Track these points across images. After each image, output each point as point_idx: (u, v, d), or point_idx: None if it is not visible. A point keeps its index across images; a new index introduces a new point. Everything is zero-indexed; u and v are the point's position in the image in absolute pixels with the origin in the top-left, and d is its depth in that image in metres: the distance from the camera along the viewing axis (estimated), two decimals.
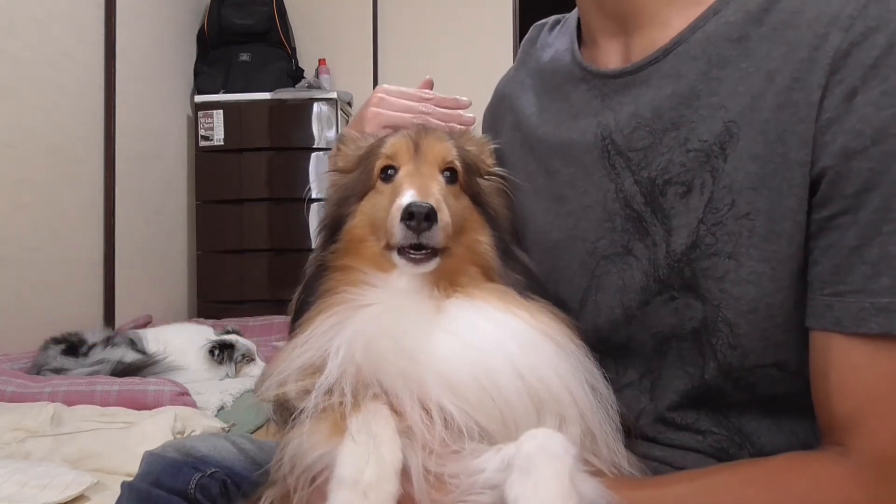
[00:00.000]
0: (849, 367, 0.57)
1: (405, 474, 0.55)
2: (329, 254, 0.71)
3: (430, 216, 0.61)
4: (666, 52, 0.70)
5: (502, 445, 0.57)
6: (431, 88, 0.92)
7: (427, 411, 0.58)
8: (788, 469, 0.58)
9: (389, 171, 0.70)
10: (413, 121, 0.85)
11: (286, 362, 0.64)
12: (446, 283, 0.66)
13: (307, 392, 0.61)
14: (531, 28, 0.94)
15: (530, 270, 0.70)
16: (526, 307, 0.65)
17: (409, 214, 0.61)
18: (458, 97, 0.91)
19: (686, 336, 0.68)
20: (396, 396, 0.59)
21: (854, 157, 0.57)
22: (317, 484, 0.57)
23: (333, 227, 0.72)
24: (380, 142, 0.74)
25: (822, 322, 0.59)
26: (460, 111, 0.90)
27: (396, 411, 0.59)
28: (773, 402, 0.67)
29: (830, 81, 0.58)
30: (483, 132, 0.96)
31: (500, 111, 0.92)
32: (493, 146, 0.81)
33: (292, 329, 0.69)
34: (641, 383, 0.73)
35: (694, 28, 0.68)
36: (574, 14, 0.85)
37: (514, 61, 0.96)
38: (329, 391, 0.60)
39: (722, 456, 0.68)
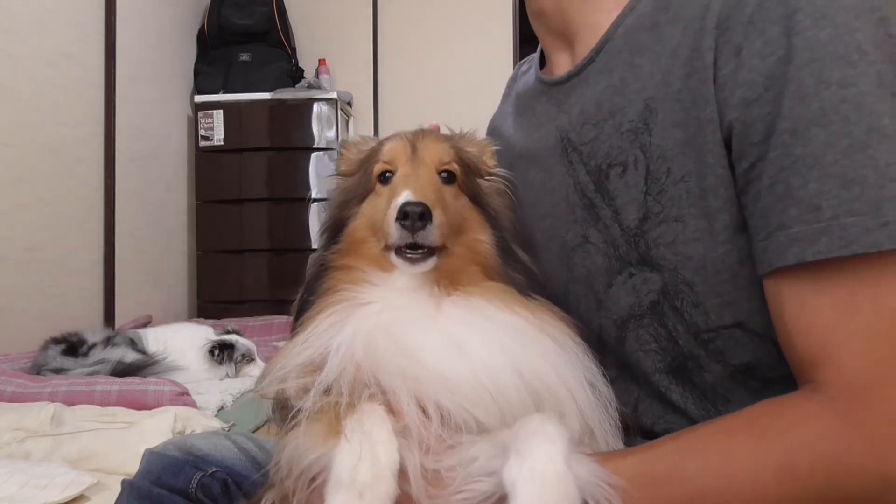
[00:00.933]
0: (798, 304, 0.58)
1: (403, 474, 0.56)
2: (331, 254, 0.72)
3: (424, 215, 0.62)
4: (597, 51, 0.77)
5: (496, 433, 0.58)
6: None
7: (424, 409, 0.59)
8: (765, 413, 0.59)
9: (387, 174, 0.71)
10: None
11: (287, 359, 0.65)
12: (447, 281, 0.67)
13: (306, 390, 0.61)
14: (514, 68, 1.05)
15: (531, 270, 0.71)
16: (525, 305, 0.66)
17: (404, 214, 0.62)
18: None
19: (643, 313, 0.71)
20: (394, 394, 0.59)
21: (752, 106, 0.61)
22: (315, 486, 0.57)
23: (335, 229, 0.74)
24: (379, 146, 0.75)
25: (764, 266, 0.60)
26: None
27: (394, 410, 0.59)
28: (749, 376, 0.69)
29: (719, 42, 0.64)
30: None
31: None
32: (494, 148, 0.83)
33: (294, 328, 0.70)
34: (623, 374, 0.76)
35: (616, 26, 0.76)
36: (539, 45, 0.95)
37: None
38: (327, 390, 0.61)
39: None
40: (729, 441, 0.58)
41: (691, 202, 0.66)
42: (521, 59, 1.05)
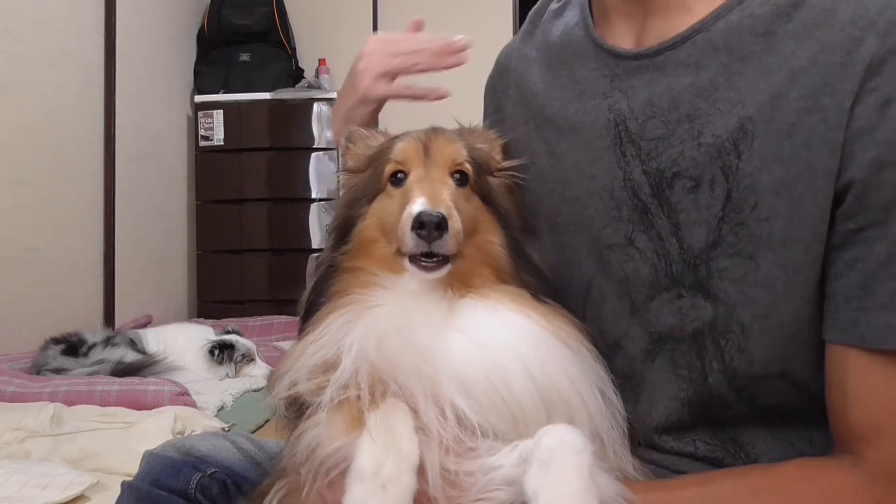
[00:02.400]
0: (869, 382, 0.57)
1: (421, 471, 0.55)
2: (339, 255, 0.70)
3: (441, 225, 0.60)
4: (684, 38, 0.67)
5: (518, 442, 0.57)
6: (420, 29, 0.91)
7: (440, 409, 0.58)
8: (800, 477, 0.58)
9: (399, 175, 0.69)
10: (405, 64, 0.85)
11: (299, 360, 0.63)
12: (459, 284, 0.66)
13: (321, 388, 0.61)
14: (539, 1, 0.89)
15: (542, 271, 0.69)
16: (539, 309, 0.64)
17: (420, 224, 0.60)
18: (449, 40, 0.88)
19: (684, 338, 0.67)
20: (410, 393, 0.59)
21: (885, 169, 0.55)
22: (331, 477, 0.57)
23: (344, 228, 0.71)
24: (389, 144, 0.73)
25: (846, 336, 0.58)
26: (452, 56, 0.88)
27: (410, 409, 0.59)
28: (771, 413, 0.67)
29: (864, 88, 0.56)
30: (485, 103, 0.94)
31: (503, 84, 0.89)
32: (503, 141, 0.79)
33: (302, 329, 0.69)
34: (623, 388, 0.71)
35: (716, 17, 0.65)
36: None
37: None
38: (345, 386, 0.60)
39: (716, 464, 0.68)
40: (756, 500, 0.57)
41: (770, 247, 0.61)
42: None
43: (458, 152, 0.70)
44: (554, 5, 0.85)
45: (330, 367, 0.61)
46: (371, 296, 0.66)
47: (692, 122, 0.65)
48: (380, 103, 0.92)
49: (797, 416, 0.65)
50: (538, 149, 0.78)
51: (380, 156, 0.72)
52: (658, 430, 0.70)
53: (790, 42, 0.61)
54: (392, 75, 0.85)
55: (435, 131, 0.72)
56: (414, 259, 0.63)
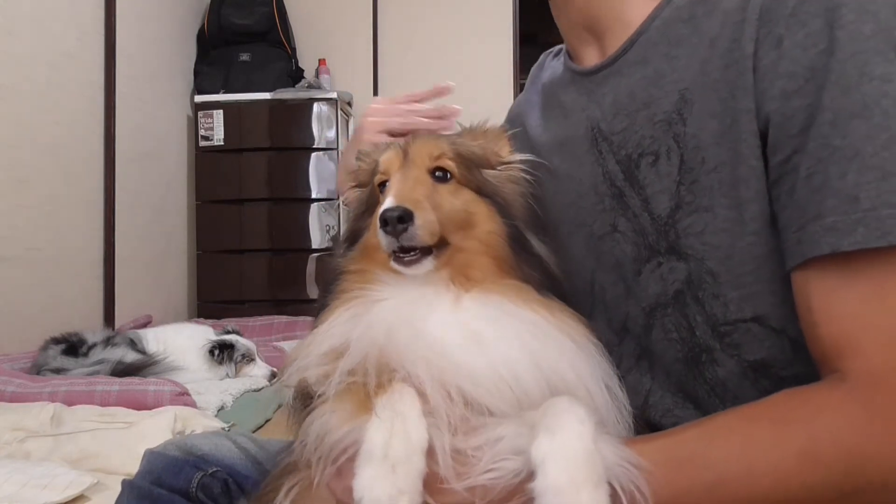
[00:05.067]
0: (826, 294, 0.59)
1: (430, 453, 0.56)
2: (345, 260, 0.73)
3: (403, 218, 0.62)
4: (631, 42, 0.78)
5: (524, 413, 0.58)
6: (444, 94, 1.01)
7: (448, 393, 0.59)
8: (788, 401, 0.59)
9: (386, 184, 0.72)
10: (406, 123, 0.93)
11: (308, 348, 0.65)
12: (461, 277, 0.67)
13: (328, 377, 0.62)
14: (541, 56, 1.04)
15: (546, 264, 0.71)
16: (544, 304, 0.66)
17: (384, 221, 0.63)
18: (445, 106, 0.98)
19: (668, 302, 0.73)
20: (418, 378, 0.60)
21: (792, 97, 0.61)
22: (339, 464, 0.58)
23: (353, 240, 0.75)
24: (379, 156, 0.77)
25: (795, 259, 0.61)
26: (447, 116, 0.97)
27: (418, 393, 0.59)
28: (761, 374, 0.69)
29: (760, 33, 0.64)
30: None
31: (513, 129, 0.96)
32: (509, 133, 0.83)
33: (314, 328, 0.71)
34: (640, 365, 0.77)
35: (652, 18, 0.77)
36: None
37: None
38: (352, 372, 0.61)
39: None
40: (751, 427, 0.59)
41: (723, 192, 0.67)
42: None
43: (436, 150, 0.72)
44: (550, 59, 1.00)
45: (338, 354, 0.63)
46: (377, 291, 0.68)
47: (648, 107, 0.74)
48: None
49: (787, 374, 0.67)
50: (542, 175, 0.84)
51: (374, 169, 0.76)
52: (680, 398, 0.74)
53: (706, 19, 0.71)
54: (392, 132, 0.94)
55: (415, 136, 0.77)
56: (395, 256, 0.65)
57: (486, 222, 0.70)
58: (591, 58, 0.85)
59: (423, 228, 0.63)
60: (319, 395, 0.61)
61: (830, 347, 0.59)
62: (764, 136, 0.64)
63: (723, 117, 0.67)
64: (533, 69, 1.04)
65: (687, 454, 0.58)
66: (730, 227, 0.67)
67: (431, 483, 0.55)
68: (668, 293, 0.73)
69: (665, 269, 0.73)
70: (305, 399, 0.64)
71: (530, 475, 0.54)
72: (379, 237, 0.64)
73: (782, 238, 0.63)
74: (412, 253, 0.64)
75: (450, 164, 0.72)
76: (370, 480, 0.53)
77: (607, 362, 0.66)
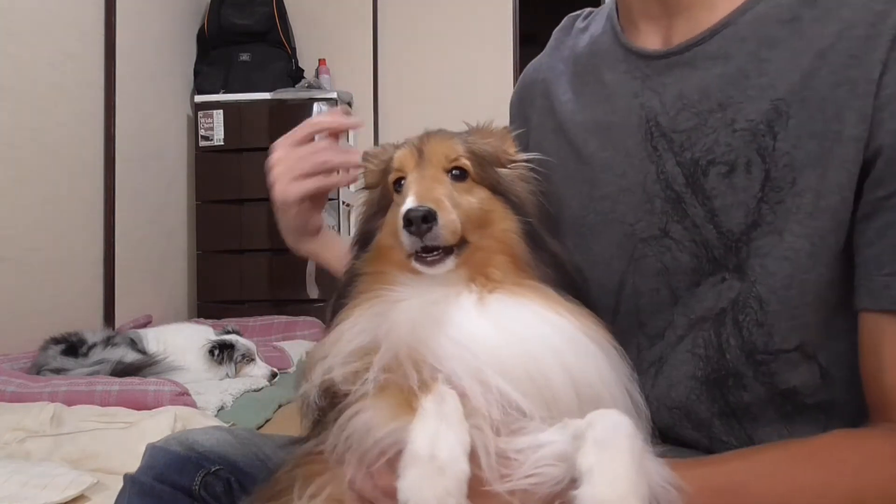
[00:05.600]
0: None
1: (472, 455, 0.55)
2: (360, 262, 0.72)
3: (427, 217, 0.61)
4: (712, 33, 0.70)
5: (567, 421, 0.58)
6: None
7: (487, 392, 0.59)
8: (839, 446, 0.58)
9: (401, 182, 0.71)
10: (314, 164, 0.86)
11: (334, 346, 0.64)
12: (481, 277, 0.66)
13: (358, 374, 0.61)
14: (565, 19, 0.94)
15: (561, 262, 0.70)
16: (566, 306, 0.66)
17: (408, 221, 0.62)
18: (350, 151, 0.91)
19: (711, 318, 0.69)
20: (457, 377, 0.59)
21: None
22: (377, 463, 0.57)
23: (364, 241, 0.74)
24: (392, 154, 0.75)
25: (878, 302, 0.59)
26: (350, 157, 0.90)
27: (459, 393, 0.59)
28: (787, 398, 0.68)
29: (890, 58, 0.58)
30: (511, 117, 0.96)
31: (530, 95, 0.92)
32: (514, 134, 0.81)
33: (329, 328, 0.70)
34: (648, 371, 0.74)
35: (743, 10, 0.69)
36: (609, 2, 0.86)
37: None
38: (387, 368, 0.60)
39: None
40: (798, 469, 0.57)
41: (798, 219, 0.63)
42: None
43: (453, 149, 0.71)
44: (580, 23, 0.90)
45: (366, 352, 0.62)
46: (398, 291, 0.67)
47: (724, 110, 0.68)
48: (309, 202, 0.91)
49: (812, 401, 0.65)
50: (565, 153, 0.80)
51: (386, 168, 0.75)
52: (677, 415, 0.71)
53: (815, 25, 0.64)
54: (304, 175, 0.87)
55: (429, 134, 0.74)
56: (417, 257, 0.64)
57: (503, 220, 0.69)
58: (651, 38, 0.77)
59: (446, 228, 0.63)
60: (348, 393, 0.60)
61: (891, 397, 0.58)
62: (866, 168, 0.60)
63: (823, 139, 0.62)
64: (556, 33, 0.93)
65: (730, 485, 0.57)
66: (794, 256, 0.64)
67: (474, 486, 0.54)
68: (715, 310, 0.69)
69: (726, 286, 0.69)
70: (329, 398, 0.63)
71: (571, 483, 0.53)
72: (401, 237, 0.63)
73: (860, 274, 0.61)
74: (435, 252, 0.64)
75: (466, 163, 0.71)
76: (418, 481, 0.52)
77: (628, 367, 0.65)
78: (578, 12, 0.92)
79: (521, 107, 0.94)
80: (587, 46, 0.85)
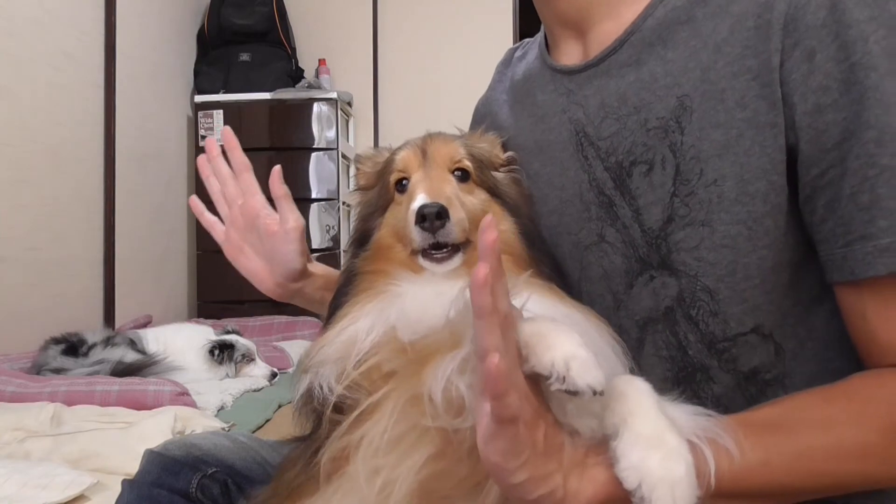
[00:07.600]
0: (883, 307, 0.60)
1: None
2: (359, 261, 0.72)
3: (441, 214, 0.63)
4: (621, 42, 0.74)
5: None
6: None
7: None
8: (865, 384, 0.61)
9: (403, 182, 0.73)
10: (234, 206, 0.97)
11: (351, 347, 0.62)
12: None
13: (374, 368, 0.60)
14: (506, 51, 1.00)
15: (556, 262, 0.72)
16: (574, 304, 0.67)
17: (422, 217, 0.63)
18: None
19: (659, 318, 0.71)
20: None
21: (826, 111, 0.60)
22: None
23: (361, 241, 0.75)
24: (392, 155, 0.77)
25: (843, 274, 0.61)
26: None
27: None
28: (750, 381, 0.69)
29: (786, 45, 0.61)
30: None
31: (478, 128, 0.94)
32: (501, 140, 0.84)
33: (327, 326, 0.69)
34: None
35: (645, 16, 0.72)
36: (542, 30, 0.90)
37: None
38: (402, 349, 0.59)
39: None
40: (831, 407, 0.59)
41: (723, 207, 0.65)
42: None
43: (456, 151, 0.73)
44: (518, 53, 0.95)
45: (380, 347, 0.61)
46: (399, 287, 0.67)
47: (639, 112, 0.71)
48: (267, 249, 1.00)
49: (769, 377, 0.68)
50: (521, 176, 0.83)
51: (385, 169, 0.76)
52: None
53: (709, 22, 0.67)
54: (236, 225, 0.99)
55: (431, 136, 0.76)
56: (426, 254, 0.65)
57: (502, 221, 0.71)
58: (571, 55, 0.81)
59: (457, 225, 0.64)
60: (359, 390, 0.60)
61: (890, 349, 0.60)
62: (792, 151, 0.62)
63: (728, 128, 0.65)
64: (498, 66, 0.99)
65: (770, 420, 0.59)
66: (731, 242, 0.65)
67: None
68: (659, 308, 0.71)
69: (657, 283, 0.71)
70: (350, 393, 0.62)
71: (603, 440, 0.54)
72: (412, 233, 0.64)
73: (822, 250, 0.63)
74: (444, 250, 0.65)
75: (468, 165, 0.73)
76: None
77: (630, 363, 0.66)
78: (518, 44, 0.98)
79: None
80: (522, 73, 0.89)
